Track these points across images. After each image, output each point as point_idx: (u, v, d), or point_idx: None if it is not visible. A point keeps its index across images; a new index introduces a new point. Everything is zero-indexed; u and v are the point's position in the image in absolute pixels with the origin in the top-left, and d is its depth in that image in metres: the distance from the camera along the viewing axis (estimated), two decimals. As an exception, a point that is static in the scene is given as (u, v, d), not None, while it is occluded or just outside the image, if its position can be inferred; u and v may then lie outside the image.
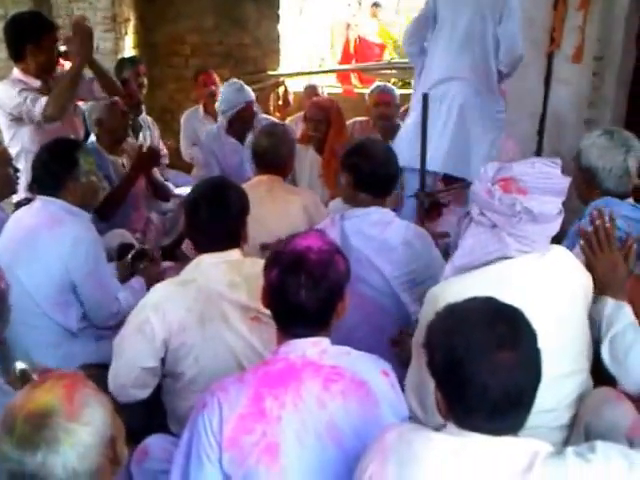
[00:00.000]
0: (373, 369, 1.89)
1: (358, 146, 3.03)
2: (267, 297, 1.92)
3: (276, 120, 5.40)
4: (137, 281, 3.27)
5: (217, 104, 4.89)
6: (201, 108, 5.81)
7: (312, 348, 1.85)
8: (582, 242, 2.39)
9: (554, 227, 2.24)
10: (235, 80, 4.96)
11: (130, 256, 3.41)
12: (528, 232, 2.18)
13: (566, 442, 2.25)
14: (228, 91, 4.80)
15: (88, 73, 3.98)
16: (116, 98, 4.25)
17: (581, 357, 2.28)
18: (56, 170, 3.01)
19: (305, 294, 1.83)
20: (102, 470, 1.49)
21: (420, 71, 4.14)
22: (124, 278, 3.30)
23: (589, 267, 2.35)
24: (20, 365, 2.26)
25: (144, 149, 4.32)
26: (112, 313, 3.04)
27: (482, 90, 3.99)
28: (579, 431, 2.23)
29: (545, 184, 2.18)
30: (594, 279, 2.33)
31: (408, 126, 4.14)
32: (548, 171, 2.20)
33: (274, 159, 3.60)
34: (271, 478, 1.72)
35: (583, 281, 2.31)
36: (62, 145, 3.15)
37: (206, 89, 5.73)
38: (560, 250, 2.32)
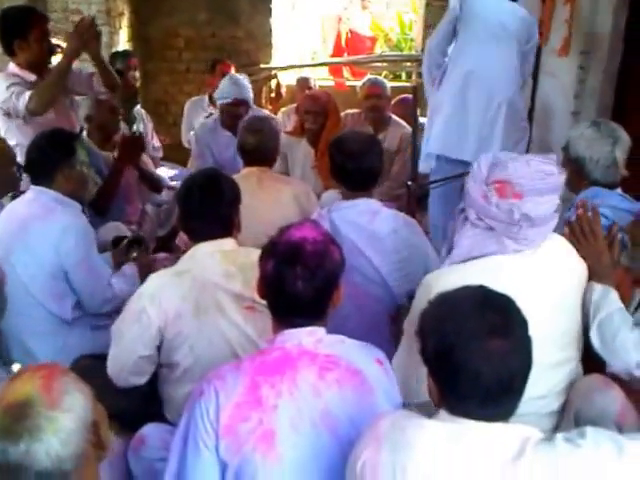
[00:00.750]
0: (367, 358, 1.90)
1: (337, 138, 3.08)
2: (263, 288, 1.93)
3: (262, 112, 5.44)
4: (129, 268, 3.27)
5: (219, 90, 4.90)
6: (206, 97, 5.82)
7: (308, 337, 1.87)
8: (566, 231, 2.41)
9: (552, 226, 2.26)
10: (238, 75, 4.98)
11: (126, 242, 3.43)
12: (527, 235, 2.20)
13: (556, 428, 2.28)
14: (226, 81, 4.82)
15: (88, 68, 4.01)
16: (104, 96, 4.28)
17: (572, 346, 2.31)
18: (53, 156, 3.02)
19: (302, 285, 1.84)
20: (86, 455, 1.50)
21: (443, 72, 4.06)
22: (117, 265, 3.32)
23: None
24: (15, 367, 2.30)
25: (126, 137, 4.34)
26: (106, 299, 3.05)
27: (519, 90, 4.05)
28: (569, 417, 2.27)
29: (541, 184, 2.18)
30: None
31: (445, 117, 4.07)
32: (544, 169, 2.19)
33: (263, 154, 3.65)
34: (267, 465, 1.74)
35: (577, 268, 2.34)
36: (61, 134, 3.16)
37: (221, 77, 5.75)
38: (555, 238, 2.34)
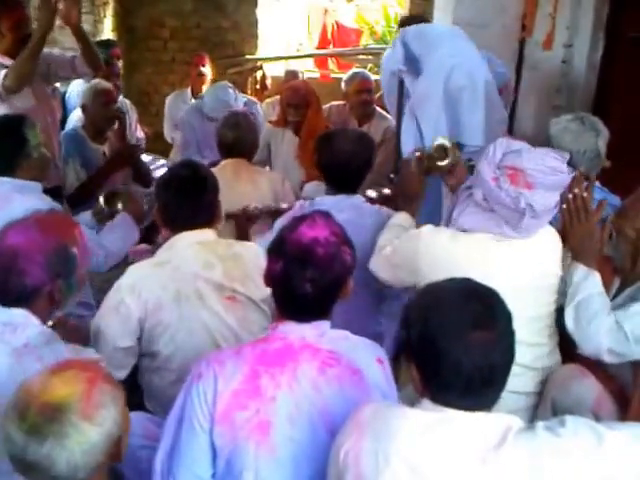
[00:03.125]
0: (369, 356, 1.90)
1: (326, 136, 3.11)
2: (269, 284, 1.90)
3: (249, 99, 5.46)
4: (121, 218, 3.17)
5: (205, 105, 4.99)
6: (189, 90, 5.81)
7: (311, 330, 1.85)
8: (564, 207, 2.43)
9: (548, 219, 2.35)
10: (226, 89, 5.00)
11: (102, 197, 3.32)
12: (526, 225, 2.27)
13: (533, 417, 2.34)
14: (213, 98, 4.92)
15: (69, 52, 3.99)
16: (108, 86, 4.27)
17: (545, 333, 2.40)
18: (7, 152, 2.94)
19: (310, 287, 1.81)
20: (101, 466, 1.53)
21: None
22: (101, 222, 3.24)
23: (565, 234, 2.43)
24: None
25: (126, 139, 4.34)
26: (98, 262, 2.99)
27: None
28: (546, 406, 2.32)
29: (552, 180, 2.24)
30: (569, 246, 2.42)
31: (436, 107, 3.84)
32: (556, 166, 2.25)
33: (241, 148, 3.69)
34: (260, 455, 1.74)
35: (557, 268, 2.42)
36: (7, 124, 3.04)
37: (196, 69, 5.75)
38: (547, 231, 2.42)
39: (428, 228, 2.46)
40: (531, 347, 2.31)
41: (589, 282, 2.31)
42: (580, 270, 2.34)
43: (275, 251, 1.87)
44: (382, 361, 1.92)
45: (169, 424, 1.86)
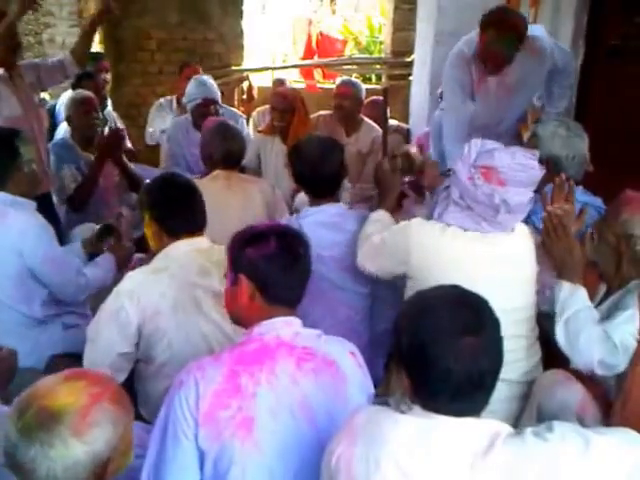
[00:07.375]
0: (342, 350, 1.96)
1: (295, 145, 3.13)
2: (268, 269, 1.93)
3: (232, 110, 5.50)
4: (105, 257, 3.22)
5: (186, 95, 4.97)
6: (175, 100, 5.80)
7: (285, 329, 1.91)
8: (543, 225, 2.51)
9: (523, 214, 2.44)
10: (204, 76, 5.02)
11: (96, 230, 3.38)
12: (502, 220, 2.37)
13: (519, 408, 2.42)
14: (191, 84, 4.87)
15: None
16: (89, 94, 4.31)
17: (524, 325, 2.49)
18: (1, 164, 2.94)
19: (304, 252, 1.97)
20: None
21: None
22: (90, 255, 3.28)
23: (547, 251, 2.48)
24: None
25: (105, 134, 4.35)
26: (79, 286, 3.03)
27: None
28: (532, 411, 2.36)
29: (522, 176, 2.32)
30: (552, 263, 2.47)
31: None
32: (526, 163, 2.33)
33: (232, 158, 3.66)
34: (245, 452, 1.76)
35: (533, 265, 2.52)
36: (1, 135, 3.04)
37: (187, 82, 5.77)
38: (522, 229, 2.53)
39: (418, 220, 2.56)
40: (513, 338, 2.35)
41: (575, 298, 2.34)
42: (565, 287, 2.37)
43: (259, 239, 1.94)
44: (354, 354, 1.99)
45: (154, 436, 1.87)
